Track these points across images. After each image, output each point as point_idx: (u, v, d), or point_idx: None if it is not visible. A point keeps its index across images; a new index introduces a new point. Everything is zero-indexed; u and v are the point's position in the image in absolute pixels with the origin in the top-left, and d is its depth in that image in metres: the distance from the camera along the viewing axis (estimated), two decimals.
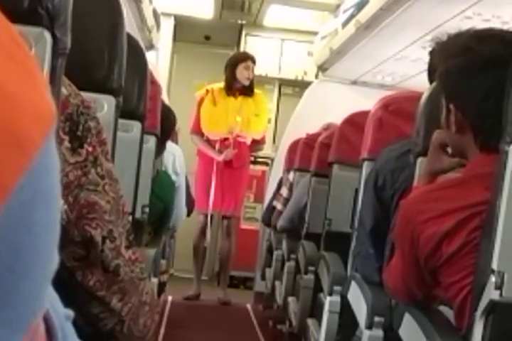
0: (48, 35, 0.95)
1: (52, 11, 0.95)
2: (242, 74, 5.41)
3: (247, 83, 5.43)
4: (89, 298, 1.04)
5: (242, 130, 5.43)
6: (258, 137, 5.57)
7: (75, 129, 1.01)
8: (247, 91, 5.48)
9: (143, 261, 1.10)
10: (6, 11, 0.35)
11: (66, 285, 0.93)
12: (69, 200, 0.99)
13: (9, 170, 0.30)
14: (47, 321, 0.40)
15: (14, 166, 0.31)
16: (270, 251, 4.95)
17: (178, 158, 3.80)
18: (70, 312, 0.48)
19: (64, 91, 1.02)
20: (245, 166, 5.60)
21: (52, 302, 0.43)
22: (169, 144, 3.62)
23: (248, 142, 5.52)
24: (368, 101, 3.12)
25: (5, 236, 0.30)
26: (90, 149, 1.02)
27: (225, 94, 5.45)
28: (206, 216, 5.50)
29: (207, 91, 5.52)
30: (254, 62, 5.51)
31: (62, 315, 0.44)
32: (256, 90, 5.59)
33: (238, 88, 5.47)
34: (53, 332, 0.40)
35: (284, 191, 4.64)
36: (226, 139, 5.41)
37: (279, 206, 4.62)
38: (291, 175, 4.59)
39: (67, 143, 0.99)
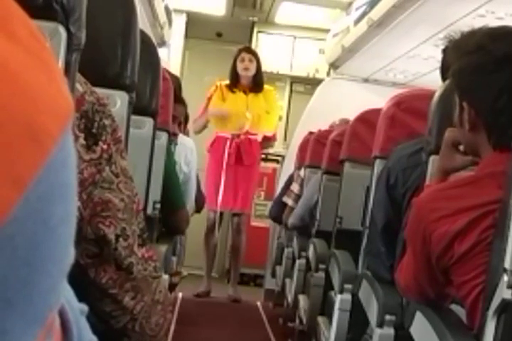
0: (62, 31, 0.95)
1: (67, 6, 0.95)
2: (239, 67, 5.44)
3: (246, 74, 5.42)
4: (102, 295, 1.04)
5: (252, 127, 5.43)
6: (269, 134, 5.57)
7: (90, 127, 1.01)
8: (256, 87, 5.47)
9: (157, 259, 1.10)
10: (21, 5, 0.35)
11: (79, 282, 0.93)
12: (83, 198, 0.99)
13: (27, 164, 0.30)
14: (62, 315, 0.40)
15: (31, 159, 0.31)
16: (281, 248, 4.95)
17: (190, 151, 3.78)
18: (85, 307, 0.48)
19: (80, 88, 1.02)
20: (255, 163, 5.59)
21: (67, 296, 0.43)
22: (182, 137, 3.62)
23: (259, 139, 5.51)
24: (379, 99, 3.12)
25: (22, 229, 0.30)
26: (105, 147, 1.02)
27: (231, 91, 5.45)
28: (215, 213, 5.50)
29: (216, 87, 5.54)
30: (250, 52, 5.53)
31: (77, 310, 0.45)
32: (266, 86, 5.59)
33: (246, 84, 5.47)
34: (68, 326, 0.40)
35: (296, 187, 4.64)
36: (237, 136, 5.41)
37: (290, 202, 4.62)
38: (302, 172, 4.59)
39: (82, 141, 1.00)
